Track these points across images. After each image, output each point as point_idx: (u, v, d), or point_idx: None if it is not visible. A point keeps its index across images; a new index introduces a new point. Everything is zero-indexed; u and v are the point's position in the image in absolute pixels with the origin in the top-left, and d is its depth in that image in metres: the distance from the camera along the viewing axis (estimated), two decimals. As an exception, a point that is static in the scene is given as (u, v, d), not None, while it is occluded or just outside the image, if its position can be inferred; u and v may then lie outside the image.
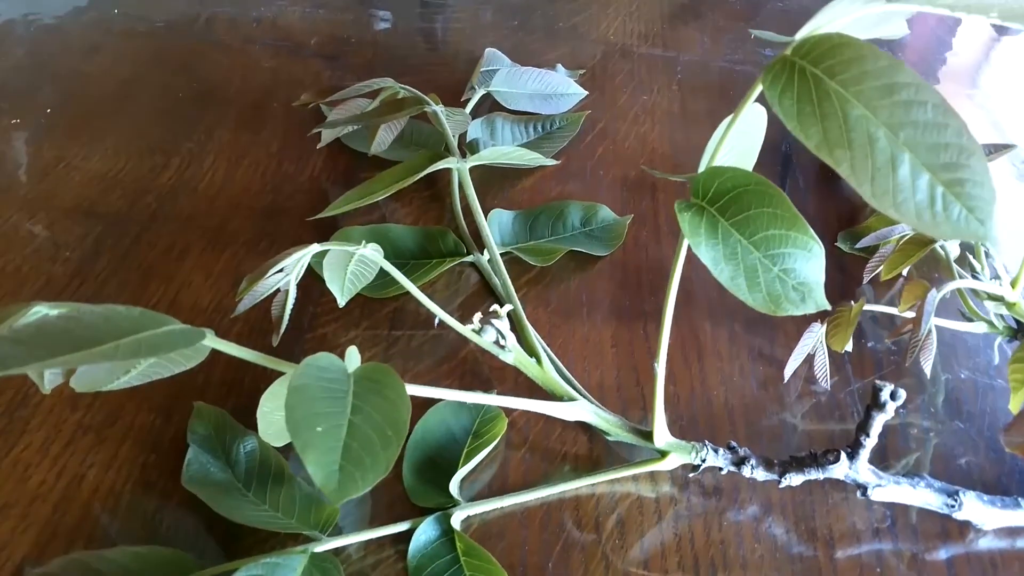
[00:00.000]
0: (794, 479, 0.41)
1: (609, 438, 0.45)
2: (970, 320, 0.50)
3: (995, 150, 0.58)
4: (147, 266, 0.53)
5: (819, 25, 0.33)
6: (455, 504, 0.41)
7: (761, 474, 0.41)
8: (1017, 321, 0.49)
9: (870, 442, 0.40)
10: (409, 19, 0.81)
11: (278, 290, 0.44)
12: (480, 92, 0.66)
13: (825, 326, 0.47)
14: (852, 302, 0.47)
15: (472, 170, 0.56)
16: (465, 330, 0.41)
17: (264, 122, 0.66)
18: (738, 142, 0.40)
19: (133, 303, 0.50)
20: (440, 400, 0.45)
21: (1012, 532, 0.42)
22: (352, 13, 0.81)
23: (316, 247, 0.41)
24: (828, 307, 0.34)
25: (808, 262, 0.34)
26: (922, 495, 0.41)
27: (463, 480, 0.43)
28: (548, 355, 0.47)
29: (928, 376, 0.48)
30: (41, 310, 0.32)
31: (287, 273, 0.42)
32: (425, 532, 0.39)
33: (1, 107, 0.66)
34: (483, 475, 0.43)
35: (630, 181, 0.63)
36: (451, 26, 0.81)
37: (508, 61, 0.69)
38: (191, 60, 0.73)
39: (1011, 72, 0.81)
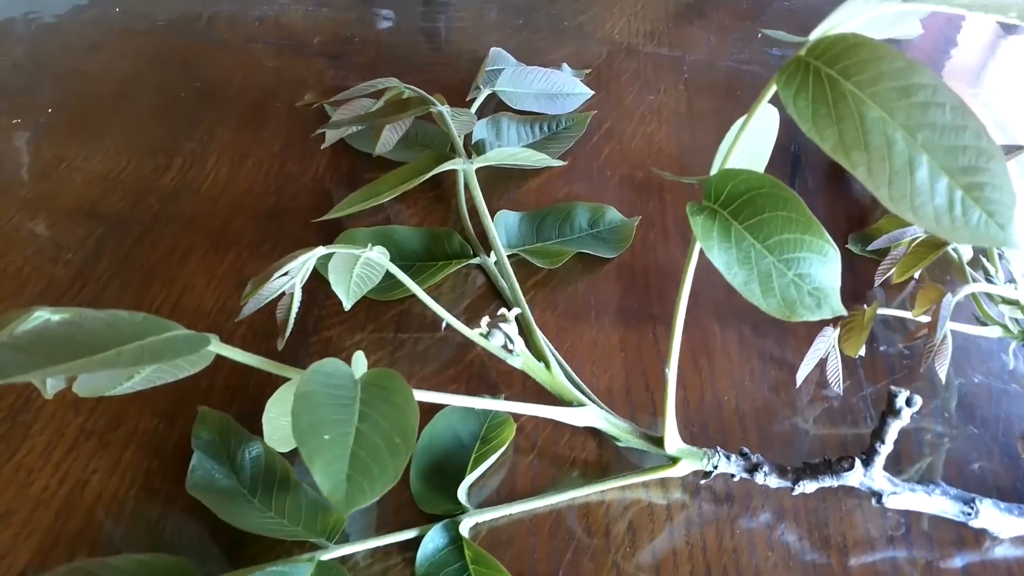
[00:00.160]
0: (808, 486, 0.40)
1: (619, 444, 0.44)
2: (984, 324, 0.49)
3: (1006, 152, 0.57)
4: (149, 268, 0.53)
5: (833, 25, 0.33)
6: (463, 511, 0.40)
7: (774, 481, 0.41)
8: (1031, 325, 0.49)
9: (885, 449, 0.39)
10: (412, 18, 0.80)
11: (283, 293, 0.43)
12: (485, 92, 0.65)
13: (838, 330, 0.47)
14: (865, 305, 0.47)
15: (478, 171, 0.56)
16: (473, 334, 0.40)
17: (267, 122, 0.66)
18: (750, 143, 0.39)
19: (135, 305, 0.50)
20: (447, 405, 0.44)
21: (1029, 540, 0.42)
22: (355, 12, 0.81)
23: (321, 250, 0.41)
24: (844, 313, 0.33)
25: (824, 267, 0.33)
26: (938, 503, 0.40)
27: (471, 486, 0.42)
28: (557, 359, 0.47)
29: (943, 381, 0.47)
30: (42, 315, 0.32)
31: (292, 276, 0.42)
32: (433, 540, 0.39)
33: (1, 106, 0.66)
34: (491, 481, 0.43)
35: (637, 182, 0.62)
36: (454, 25, 0.80)
37: (513, 60, 0.69)
38: (193, 59, 0.72)
39: (1016, 71, 0.80)
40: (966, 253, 0.52)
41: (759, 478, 0.41)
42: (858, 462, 0.39)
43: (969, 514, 0.40)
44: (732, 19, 0.83)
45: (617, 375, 0.48)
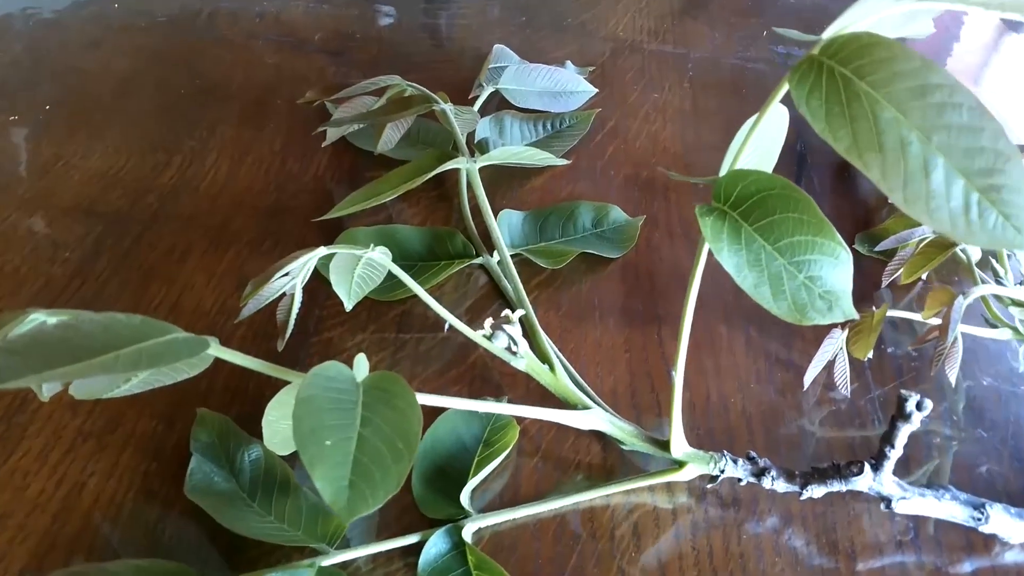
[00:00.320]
0: (816, 491, 0.40)
1: (624, 447, 0.43)
2: (994, 326, 0.48)
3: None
4: (148, 267, 0.52)
5: (846, 24, 0.32)
6: (466, 515, 0.40)
7: (782, 486, 0.40)
8: (1041, 327, 0.48)
9: (895, 453, 0.38)
10: (414, 15, 0.80)
11: (283, 294, 0.43)
12: (489, 89, 0.65)
13: (846, 332, 0.46)
14: (873, 307, 0.46)
15: (481, 169, 0.55)
16: (476, 336, 0.40)
17: (267, 119, 0.65)
18: (759, 143, 0.38)
19: (134, 305, 0.50)
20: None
21: (1039, 545, 0.41)
22: (356, 8, 0.80)
23: (322, 250, 0.40)
24: (856, 316, 0.32)
25: (835, 269, 0.33)
26: (948, 508, 0.40)
27: (474, 490, 0.41)
28: (561, 361, 0.46)
29: (952, 384, 0.47)
30: (38, 317, 0.31)
31: (293, 277, 0.41)
32: (435, 545, 0.38)
33: (-1, 103, 0.65)
34: (494, 485, 0.42)
35: (642, 181, 0.61)
36: (456, 22, 0.79)
37: (516, 58, 0.68)
38: (193, 56, 0.72)
39: (1018, 70, 0.80)
40: (975, 254, 0.52)
41: (766, 482, 0.40)
42: (867, 467, 0.39)
43: (979, 519, 0.40)
44: (736, 16, 0.83)
45: (622, 377, 0.48)
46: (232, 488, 0.40)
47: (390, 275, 0.42)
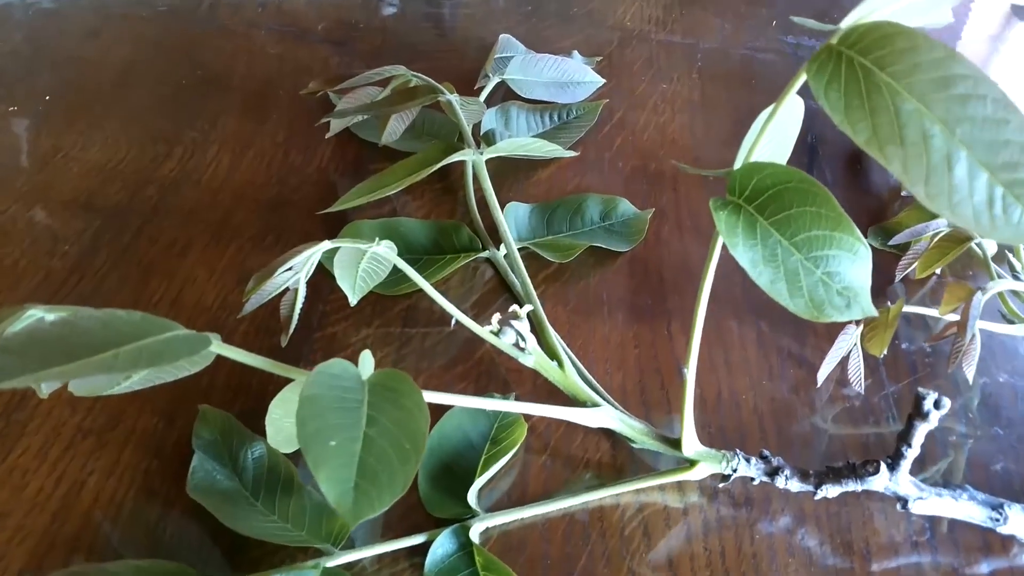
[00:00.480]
0: (830, 491, 0.39)
1: (634, 445, 0.43)
2: (1011, 322, 0.47)
3: None
4: (148, 261, 0.51)
5: (866, 13, 0.31)
6: (473, 515, 0.39)
7: (795, 485, 0.39)
8: (1059, 322, 0.47)
9: (912, 453, 0.37)
10: (418, 4, 0.79)
11: (287, 289, 0.42)
12: (495, 80, 0.64)
13: (860, 328, 0.45)
14: (889, 303, 0.45)
15: (487, 161, 0.54)
16: (483, 332, 0.39)
17: (270, 110, 0.64)
18: (774, 135, 0.38)
19: (134, 300, 0.49)
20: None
21: (1058, 546, 0.41)
22: (360, -3, 0.79)
23: (327, 244, 0.39)
24: (875, 313, 0.32)
25: (854, 265, 0.32)
26: (965, 508, 0.39)
27: (481, 489, 0.41)
28: (570, 357, 0.45)
29: (970, 382, 0.46)
30: (36, 313, 0.30)
31: (296, 271, 0.40)
32: (442, 545, 0.37)
33: (-2, 94, 0.64)
34: (502, 483, 0.41)
35: (650, 173, 0.60)
36: (461, 11, 0.78)
37: (523, 48, 0.67)
38: (194, 46, 0.71)
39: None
40: (991, 248, 0.51)
41: (780, 482, 0.39)
42: (883, 466, 0.38)
43: (997, 520, 0.39)
44: (745, 5, 0.81)
45: (631, 373, 0.47)
46: (235, 487, 0.39)
47: (395, 269, 0.41)
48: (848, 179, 0.61)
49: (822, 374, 0.45)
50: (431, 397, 0.34)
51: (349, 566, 0.37)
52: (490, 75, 0.64)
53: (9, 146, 0.59)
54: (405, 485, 0.28)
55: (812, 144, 0.64)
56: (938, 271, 0.52)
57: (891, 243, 0.53)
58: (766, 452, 0.40)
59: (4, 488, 0.40)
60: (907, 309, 0.49)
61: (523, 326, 0.39)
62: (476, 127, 0.60)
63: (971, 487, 0.39)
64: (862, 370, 0.45)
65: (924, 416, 0.36)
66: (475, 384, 0.46)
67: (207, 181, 0.57)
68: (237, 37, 0.72)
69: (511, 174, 0.59)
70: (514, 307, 0.39)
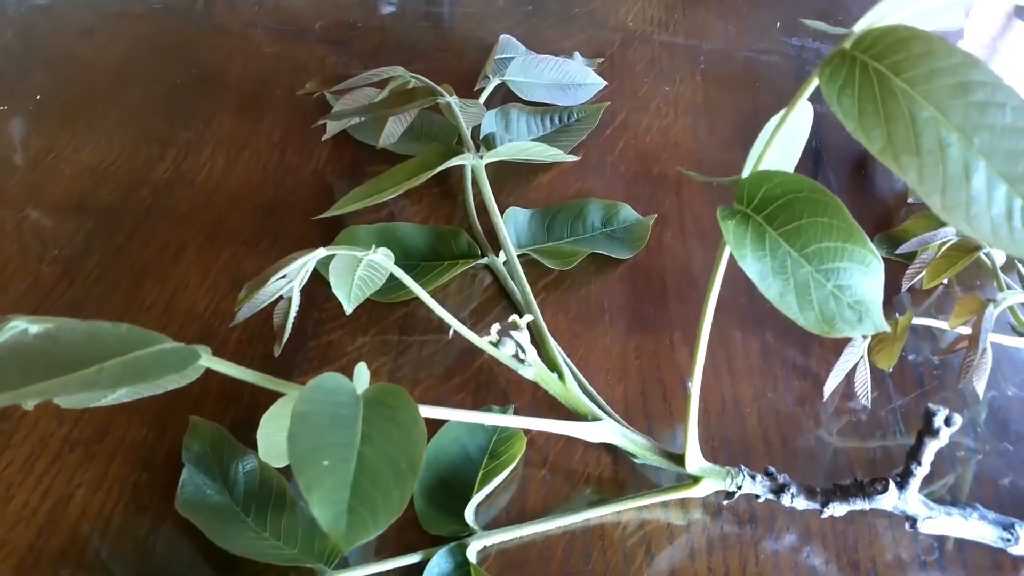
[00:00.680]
0: (837, 509, 0.38)
1: (636, 460, 0.42)
2: (1021, 334, 0.46)
3: None
4: (141, 265, 0.50)
5: (879, 16, 0.30)
6: (470, 533, 0.38)
7: (801, 503, 0.38)
8: (1070, 335, 0.46)
9: (921, 471, 0.36)
10: (417, 3, 0.77)
11: (280, 297, 0.41)
12: (495, 81, 0.62)
13: (868, 340, 0.44)
14: (896, 314, 0.44)
15: (487, 165, 0.53)
16: (482, 342, 0.38)
17: (266, 111, 0.63)
18: (783, 141, 0.36)
19: (125, 305, 0.48)
20: (454, 416, 0.41)
21: (1070, 566, 0.40)
22: (358, -4, 0.77)
23: (322, 251, 0.38)
24: (887, 328, 0.31)
25: (865, 278, 0.31)
26: (975, 527, 0.38)
27: (479, 505, 0.40)
28: (571, 369, 0.44)
29: (980, 397, 0.45)
30: (18, 325, 0.29)
31: (290, 279, 0.39)
32: (439, 565, 0.36)
33: (-11, 92, 0.63)
34: (500, 499, 0.40)
35: (653, 177, 0.59)
36: (461, 11, 0.77)
37: (523, 49, 0.66)
38: (189, 44, 0.69)
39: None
40: (999, 258, 0.50)
41: (786, 500, 0.38)
42: (892, 484, 0.37)
43: (1009, 540, 0.38)
44: (749, 6, 0.80)
45: (632, 384, 0.46)
46: (225, 502, 0.38)
47: (392, 276, 0.40)
48: (853, 185, 0.60)
49: (828, 388, 0.44)
50: (428, 412, 0.33)
51: (343, 585, 0.36)
52: (490, 76, 0.63)
53: (0, 146, 0.58)
54: (401, 507, 0.28)
55: (817, 149, 0.63)
56: (945, 281, 0.51)
57: (898, 252, 0.52)
58: (771, 469, 0.39)
59: (-12, 501, 0.39)
60: (915, 320, 0.48)
61: (523, 337, 0.38)
62: (476, 130, 0.59)
63: (980, 504, 0.38)
64: (869, 383, 0.44)
65: (934, 433, 0.35)
66: (473, 395, 0.45)
67: (201, 182, 0.56)
68: (233, 36, 0.71)
69: (511, 178, 0.58)
70: (514, 317, 0.38)
